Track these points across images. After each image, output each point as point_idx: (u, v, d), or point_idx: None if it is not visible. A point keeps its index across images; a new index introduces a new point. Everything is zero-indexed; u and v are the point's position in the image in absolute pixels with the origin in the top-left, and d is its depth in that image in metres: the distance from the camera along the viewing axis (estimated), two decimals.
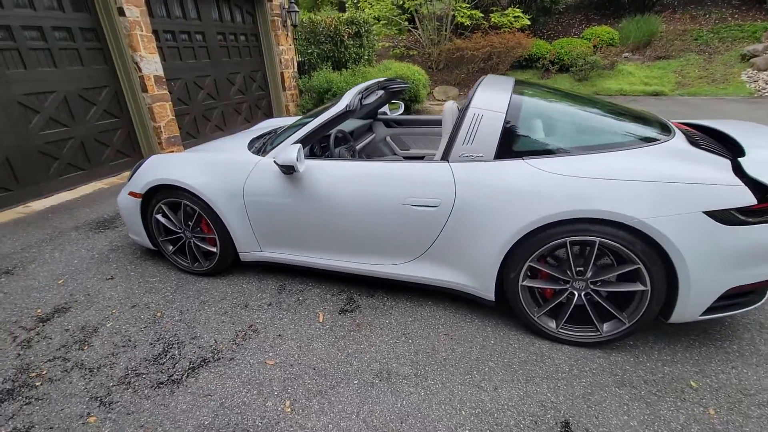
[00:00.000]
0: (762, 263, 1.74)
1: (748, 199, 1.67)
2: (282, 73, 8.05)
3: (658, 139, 1.94)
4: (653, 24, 10.87)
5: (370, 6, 11.87)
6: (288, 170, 2.16)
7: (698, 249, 1.70)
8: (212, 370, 1.97)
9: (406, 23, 12.61)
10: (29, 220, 3.88)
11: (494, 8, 11.60)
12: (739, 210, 1.68)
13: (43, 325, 2.34)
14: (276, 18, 7.67)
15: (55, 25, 4.45)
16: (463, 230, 2.03)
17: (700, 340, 2.04)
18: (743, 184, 1.69)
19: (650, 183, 1.73)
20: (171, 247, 2.80)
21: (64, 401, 1.81)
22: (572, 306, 1.97)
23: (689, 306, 1.81)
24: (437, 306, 2.38)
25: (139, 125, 5.43)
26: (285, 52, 8.03)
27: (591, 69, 10.10)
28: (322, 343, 2.12)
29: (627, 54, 10.97)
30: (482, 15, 10.89)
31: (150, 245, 2.88)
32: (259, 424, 1.67)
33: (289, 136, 2.39)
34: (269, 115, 8.20)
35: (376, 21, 12.05)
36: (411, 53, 12.50)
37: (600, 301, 1.93)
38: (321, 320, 2.30)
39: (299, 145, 2.18)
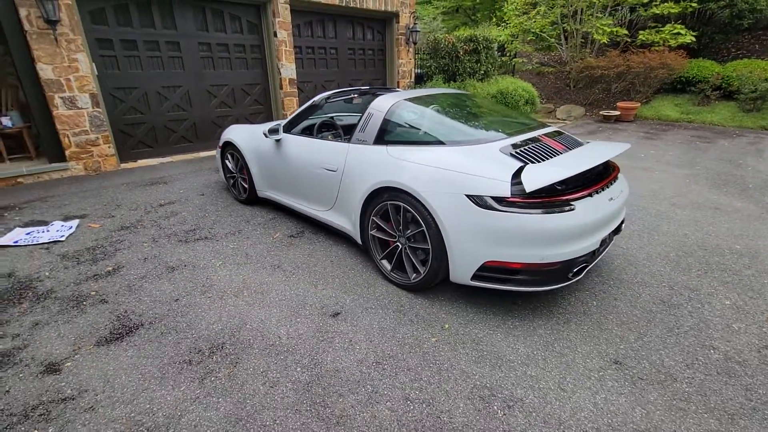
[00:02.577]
0: (512, 245, 2.16)
1: (504, 191, 2.15)
2: (398, 82, 9.49)
3: (480, 141, 2.47)
4: None
5: (505, 25, 12.20)
6: (267, 137, 3.50)
7: (457, 221, 2.26)
8: (203, 242, 3.46)
9: (553, 40, 12.42)
10: (193, 161, 6.34)
11: (655, 24, 10.39)
12: (494, 198, 2.17)
13: (160, 207, 4.30)
14: (400, 36, 9.13)
15: (236, 42, 6.91)
16: (347, 189, 2.96)
17: (496, 312, 2.45)
18: (508, 181, 2.16)
19: (437, 168, 2.37)
20: (231, 182, 4.50)
21: (143, 236, 3.59)
22: (396, 255, 2.69)
23: (458, 269, 2.34)
24: (346, 247, 3.33)
25: (274, 111, 7.68)
26: (404, 65, 9.44)
27: (762, 99, 8.19)
28: (263, 246, 3.38)
29: None
30: (627, 32, 9.97)
31: (224, 180, 4.66)
32: (202, 265, 3.05)
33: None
34: None
35: (513, 38, 12.34)
36: (546, 70, 12.26)
37: (410, 254, 2.60)
38: (274, 237, 3.56)
39: (279, 124, 3.49)
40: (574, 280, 2.34)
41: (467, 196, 2.23)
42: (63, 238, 3.50)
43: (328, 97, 3.51)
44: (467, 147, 2.45)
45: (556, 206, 2.13)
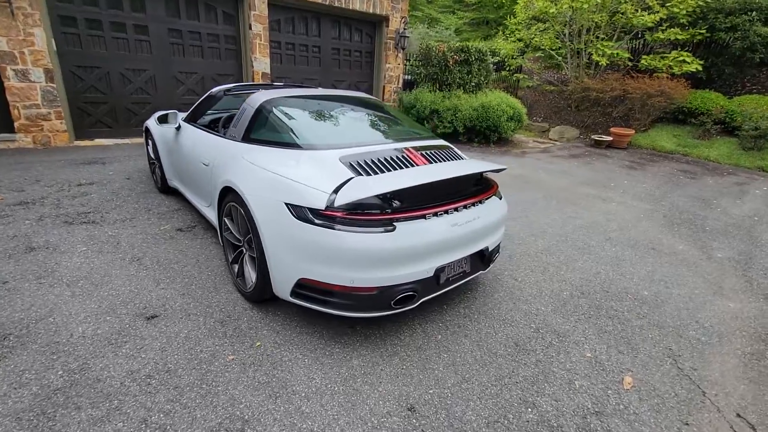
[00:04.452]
0: (325, 264, 1.94)
1: (319, 204, 1.93)
2: (384, 87, 9.32)
3: (331, 148, 2.26)
4: None
5: (506, 39, 11.90)
6: (157, 124, 3.38)
7: (275, 231, 2.06)
8: (87, 225, 3.35)
9: (560, 58, 12.03)
10: None
11: (662, 50, 9.91)
12: (310, 210, 1.96)
13: (76, 187, 4.24)
14: (389, 41, 8.97)
15: (209, 32, 6.89)
16: (213, 184, 2.80)
17: (324, 335, 2.22)
18: (327, 193, 1.95)
19: (269, 173, 2.17)
20: (152, 168, 4.40)
21: (33, 213, 3.51)
22: (240, 260, 2.49)
23: (278, 283, 2.14)
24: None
25: None
26: (392, 70, 9.27)
27: (764, 137, 7.65)
28: (141, 237, 3.24)
29: None
30: (629, 56, 9.52)
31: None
32: (63, 249, 2.93)
33: None
34: None
35: (519, 53, 12.01)
36: (549, 89, 11.87)
37: (248, 261, 2.40)
38: (161, 228, 3.42)
39: (176, 112, 3.37)
40: (401, 310, 2.10)
41: (287, 204, 2.02)
42: None
43: (228, 90, 3.36)
44: (310, 152, 2.25)
45: (372, 225, 1.91)
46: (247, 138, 2.63)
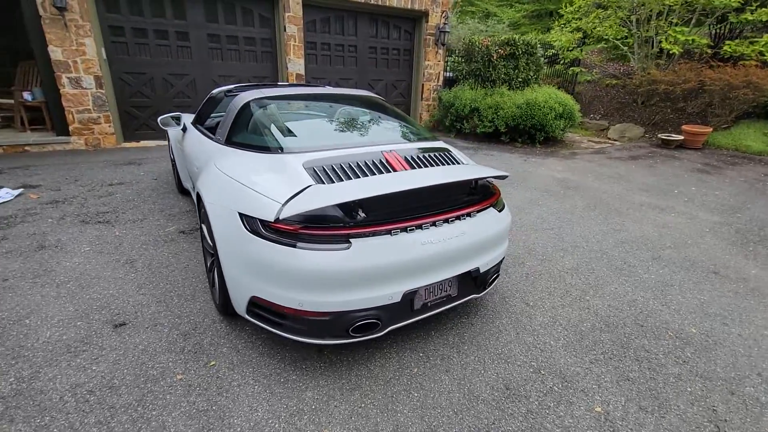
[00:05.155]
0: (274, 283, 1.73)
1: (269, 215, 1.73)
2: (423, 85, 8.97)
3: (300, 150, 2.05)
4: None
5: (560, 29, 10.92)
6: (161, 126, 3.40)
7: (228, 242, 1.89)
8: (100, 225, 3.47)
9: (626, 48, 10.84)
10: None
11: (751, 35, 8.48)
12: (261, 222, 1.76)
13: (107, 186, 4.47)
14: (429, 37, 8.61)
15: (246, 36, 7.04)
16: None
17: (287, 358, 2.01)
18: (279, 203, 1.73)
19: (229, 178, 2.01)
20: (174, 170, 4.52)
21: (58, 212, 3.71)
22: (213, 269, 2.36)
23: (234, 298, 1.97)
24: None
25: None
26: (431, 67, 8.90)
27: None
28: (145, 238, 3.28)
29: None
30: (708, 42, 8.22)
31: None
32: (70, 248, 3.03)
33: None
34: None
35: (576, 46, 11.01)
36: (611, 83, 10.73)
37: (217, 275, 2.26)
38: (166, 230, 3.45)
39: (180, 115, 3.35)
40: (363, 339, 1.82)
41: (240, 214, 1.84)
42: None
43: (229, 91, 3.28)
44: (275, 156, 2.05)
45: (322, 241, 1.66)
46: (230, 140, 2.50)
